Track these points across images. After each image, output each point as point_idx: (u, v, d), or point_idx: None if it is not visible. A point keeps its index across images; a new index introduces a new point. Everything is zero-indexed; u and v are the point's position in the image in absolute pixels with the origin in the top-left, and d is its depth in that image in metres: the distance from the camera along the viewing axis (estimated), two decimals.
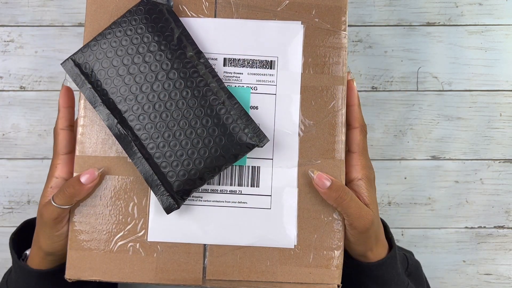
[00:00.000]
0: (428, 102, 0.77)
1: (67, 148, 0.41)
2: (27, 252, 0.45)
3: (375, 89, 0.77)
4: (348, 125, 0.42)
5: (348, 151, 0.42)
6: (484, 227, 0.78)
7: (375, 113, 0.77)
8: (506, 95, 0.77)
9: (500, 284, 0.79)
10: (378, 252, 0.43)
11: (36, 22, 0.77)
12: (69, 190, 0.38)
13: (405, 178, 0.78)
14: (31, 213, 0.77)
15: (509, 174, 0.78)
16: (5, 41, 0.77)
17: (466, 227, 0.78)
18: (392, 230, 0.47)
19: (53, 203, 0.38)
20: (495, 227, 0.78)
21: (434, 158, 0.77)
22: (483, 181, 0.78)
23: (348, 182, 0.41)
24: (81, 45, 0.41)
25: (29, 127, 0.77)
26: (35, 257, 0.42)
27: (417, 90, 0.77)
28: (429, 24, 0.77)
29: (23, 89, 0.77)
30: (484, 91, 0.77)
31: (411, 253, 0.51)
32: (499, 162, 0.77)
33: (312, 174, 0.40)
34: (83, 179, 0.38)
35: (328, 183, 0.38)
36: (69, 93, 0.42)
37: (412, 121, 0.77)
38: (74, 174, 0.40)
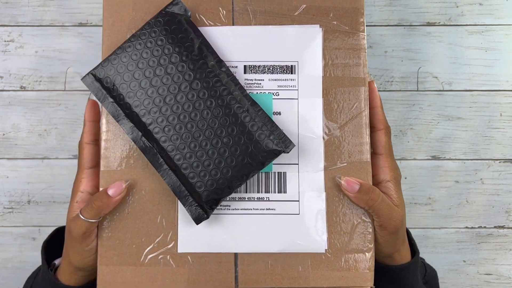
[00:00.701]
0: (428, 102, 0.77)
1: (91, 162, 0.41)
2: (56, 262, 0.45)
3: None
4: (372, 127, 0.41)
5: (373, 153, 0.42)
6: (484, 227, 0.78)
7: None
8: (506, 95, 0.77)
9: (500, 284, 0.79)
10: (404, 254, 0.43)
11: (36, 22, 0.77)
12: (96, 203, 0.38)
13: (405, 178, 0.78)
14: (31, 213, 0.77)
15: (509, 174, 0.78)
16: (5, 41, 0.77)
17: (466, 227, 0.78)
18: None
19: (81, 217, 0.38)
20: (495, 227, 0.78)
21: (434, 158, 0.77)
22: (483, 181, 0.78)
23: (376, 184, 0.41)
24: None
25: (29, 127, 0.77)
26: (65, 272, 0.42)
27: (417, 90, 0.77)
28: (429, 24, 0.78)
29: (23, 89, 0.77)
30: (484, 91, 0.77)
31: (422, 259, 0.51)
32: (499, 162, 0.77)
33: (339, 180, 0.39)
34: (110, 192, 0.38)
35: (357, 187, 0.38)
36: (95, 107, 0.42)
37: (412, 121, 0.77)
38: (100, 189, 0.40)
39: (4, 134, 0.77)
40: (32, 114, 0.77)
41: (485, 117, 0.77)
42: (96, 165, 0.41)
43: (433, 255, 0.78)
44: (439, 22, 0.77)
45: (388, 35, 0.78)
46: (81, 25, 0.77)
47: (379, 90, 0.74)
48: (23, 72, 0.77)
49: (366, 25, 0.77)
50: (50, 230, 0.48)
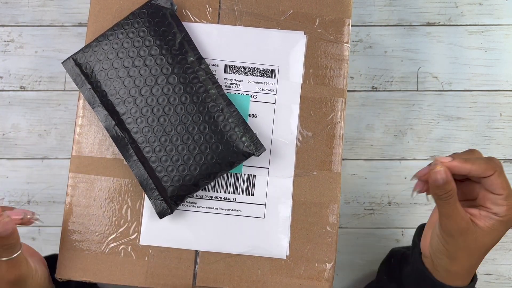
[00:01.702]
0: (428, 102, 0.77)
1: None
2: None
3: (375, 89, 0.77)
4: (478, 179, 0.35)
5: (485, 190, 0.35)
6: None
7: (375, 113, 0.77)
8: (506, 95, 0.77)
9: (500, 284, 0.79)
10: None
11: (36, 22, 0.77)
12: None
13: (405, 178, 0.78)
14: None
15: (509, 174, 0.78)
16: (5, 41, 0.77)
17: None
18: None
19: None
20: None
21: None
22: None
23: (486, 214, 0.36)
24: (82, 45, 0.41)
25: (29, 127, 0.77)
26: None
27: (417, 90, 0.77)
28: (429, 24, 0.77)
29: (23, 89, 0.77)
30: (484, 91, 0.77)
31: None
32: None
33: (434, 159, 0.33)
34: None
35: (440, 182, 0.33)
36: None
37: (412, 121, 0.77)
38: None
39: (4, 134, 0.77)
40: (32, 114, 0.77)
41: (485, 117, 0.77)
42: None
43: None
44: (439, 22, 0.77)
45: (388, 35, 0.78)
46: (80, 25, 0.77)
47: (378, 90, 0.74)
48: (23, 72, 0.77)
49: (366, 25, 0.77)
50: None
